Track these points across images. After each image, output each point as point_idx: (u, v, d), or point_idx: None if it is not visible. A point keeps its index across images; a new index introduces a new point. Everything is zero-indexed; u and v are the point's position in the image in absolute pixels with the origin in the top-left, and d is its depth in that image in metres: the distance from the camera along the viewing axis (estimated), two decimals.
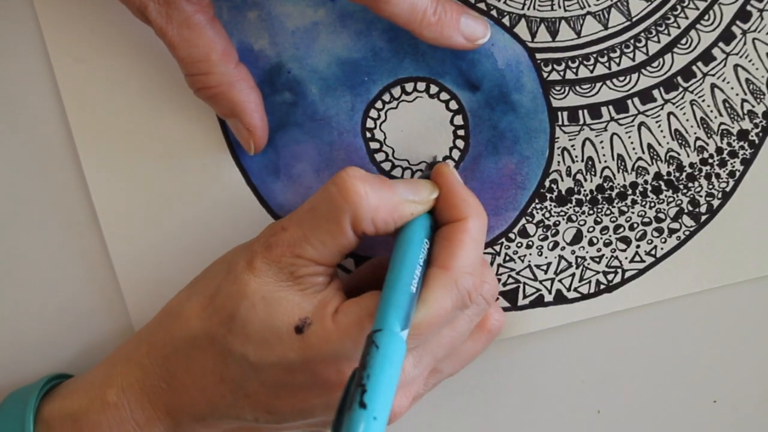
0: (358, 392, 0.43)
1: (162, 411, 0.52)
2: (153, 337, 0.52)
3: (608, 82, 0.55)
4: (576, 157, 0.56)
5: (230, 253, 0.53)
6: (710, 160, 0.55)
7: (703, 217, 0.56)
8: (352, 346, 0.48)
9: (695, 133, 0.55)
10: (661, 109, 0.55)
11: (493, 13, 0.54)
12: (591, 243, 0.56)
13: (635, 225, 0.56)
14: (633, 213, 0.56)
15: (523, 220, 0.56)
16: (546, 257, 0.56)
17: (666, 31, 0.54)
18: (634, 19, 0.54)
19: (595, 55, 0.55)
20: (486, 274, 0.52)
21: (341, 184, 0.49)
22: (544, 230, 0.56)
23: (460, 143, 0.56)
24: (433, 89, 0.55)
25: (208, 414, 0.51)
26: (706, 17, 0.54)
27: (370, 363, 0.44)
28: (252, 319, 0.49)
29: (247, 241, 0.52)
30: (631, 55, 0.55)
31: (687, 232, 0.56)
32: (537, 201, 0.56)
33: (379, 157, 0.56)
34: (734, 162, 0.55)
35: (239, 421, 0.52)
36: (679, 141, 0.55)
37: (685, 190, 0.56)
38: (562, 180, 0.56)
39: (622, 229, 0.56)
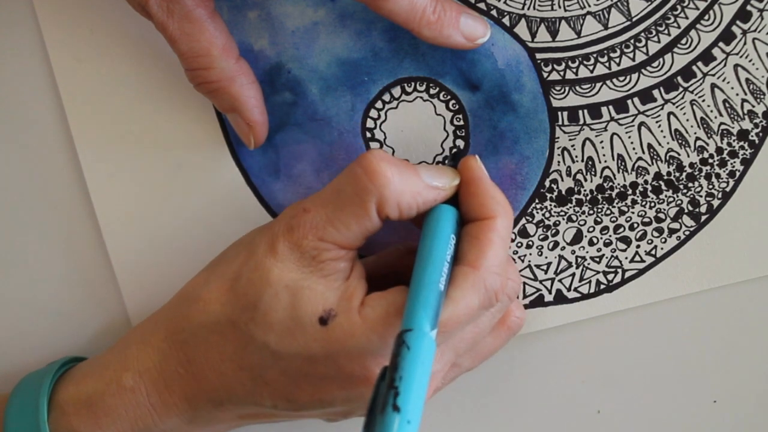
0: (391, 395, 0.42)
1: (179, 396, 0.51)
2: (171, 321, 0.52)
3: (608, 82, 0.55)
4: (576, 157, 0.56)
5: (249, 235, 0.52)
6: (710, 160, 0.55)
7: (703, 217, 0.56)
8: (379, 341, 0.48)
9: (695, 133, 0.55)
10: (661, 109, 0.55)
11: (493, 13, 0.54)
12: (591, 243, 0.56)
13: (635, 225, 0.56)
14: (633, 213, 0.56)
15: (523, 220, 0.56)
16: (546, 257, 0.56)
17: (666, 31, 0.54)
18: (634, 19, 0.54)
19: (595, 55, 0.55)
20: (510, 272, 0.52)
21: (367, 166, 0.49)
22: (544, 230, 0.56)
23: (460, 143, 0.56)
24: (433, 89, 0.55)
25: (226, 399, 0.51)
26: (706, 17, 0.54)
27: (402, 365, 0.43)
28: (275, 308, 0.49)
29: (266, 223, 0.52)
30: (631, 55, 0.55)
31: (687, 232, 0.56)
32: (537, 201, 0.56)
33: None
34: (734, 162, 0.55)
35: (257, 408, 0.51)
36: (679, 141, 0.55)
37: (685, 190, 0.56)
38: (562, 180, 0.56)
39: (622, 229, 0.56)
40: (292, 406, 0.50)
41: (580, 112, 0.55)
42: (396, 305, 0.48)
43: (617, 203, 0.56)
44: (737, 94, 0.55)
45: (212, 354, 0.50)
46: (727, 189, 0.55)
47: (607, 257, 0.56)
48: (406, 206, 0.49)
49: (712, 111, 0.55)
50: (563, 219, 0.56)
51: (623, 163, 0.55)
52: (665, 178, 0.56)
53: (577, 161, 0.56)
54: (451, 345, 0.50)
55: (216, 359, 0.50)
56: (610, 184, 0.56)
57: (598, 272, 0.56)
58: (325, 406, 0.50)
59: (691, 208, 0.56)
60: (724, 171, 0.55)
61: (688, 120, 0.55)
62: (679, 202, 0.56)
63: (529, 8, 0.54)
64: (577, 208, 0.56)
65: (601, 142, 0.55)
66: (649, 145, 0.55)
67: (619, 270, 0.56)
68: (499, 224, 0.50)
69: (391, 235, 0.51)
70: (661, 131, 0.55)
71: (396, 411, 0.42)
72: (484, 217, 0.50)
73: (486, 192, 0.51)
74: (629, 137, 0.55)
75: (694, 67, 0.55)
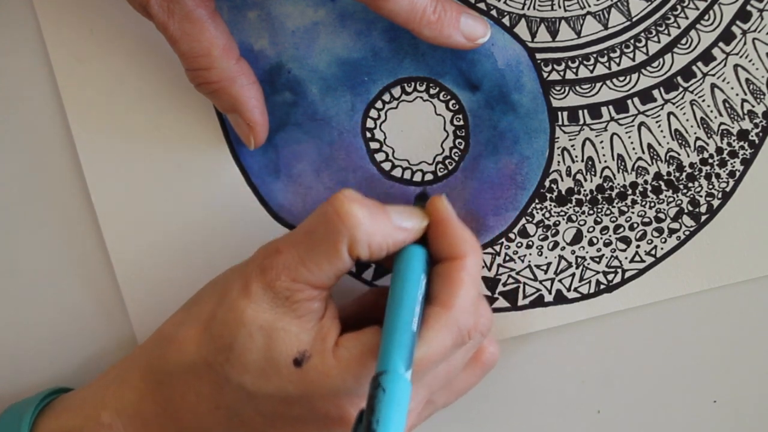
0: None
1: None
2: (148, 361, 0.52)
3: (608, 82, 0.55)
4: (576, 157, 0.56)
5: (223, 275, 0.52)
6: (710, 160, 0.55)
7: (703, 217, 0.56)
8: (353, 381, 0.48)
9: (695, 133, 0.55)
10: (661, 109, 0.55)
11: (493, 13, 0.54)
12: (591, 243, 0.56)
13: (635, 225, 0.56)
14: (633, 213, 0.56)
15: (523, 220, 0.56)
16: (546, 257, 0.56)
17: (666, 31, 0.54)
18: (634, 19, 0.54)
19: (595, 55, 0.55)
20: (482, 309, 0.52)
21: (339, 207, 0.49)
22: (544, 230, 0.56)
23: (460, 143, 0.56)
24: (433, 89, 0.55)
25: None
26: (706, 17, 0.54)
27: (379, 407, 0.44)
28: (250, 349, 0.49)
29: (239, 263, 0.52)
30: (631, 55, 0.55)
31: (687, 232, 0.56)
32: (537, 201, 0.56)
33: (379, 157, 0.56)
34: (734, 162, 0.55)
35: None
36: (679, 141, 0.55)
37: (685, 190, 0.56)
38: (562, 180, 0.56)
39: (622, 229, 0.56)
40: None
41: (580, 112, 0.55)
42: (370, 346, 0.48)
43: (617, 203, 0.56)
44: (737, 94, 0.55)
45: (189, 394, 0.51)
46: (727, 189, 0.55)
47: (607, 257, 0.56)
48: (376, 247, 0.49)
49: (712, 111, 0.55)
50: (563, 219, 0.56)
51: (623, 163, 0.55)
52: (665, 178, 0.56)
53: (577, 161, 0.56)
54: (425, 383, 0.51)
55: (192, 399, 0.50)
56: (610, 184, 0.56)
57: (598, 272, 0.56)
58: None
59: (691, 208, 0.56)
60: (724, 171, 0.55)
61: (688, 120, 0.55)
62: (679, 202, 0.56)
63: (529, 8, 0.54)
64: (577, 208, 0.56)
65: (601, 142, 0.55)
66: (649, 145, 0.55)
67: (619, 270, 0.56)
68: (468, 264, 0.50)
69: None
70: (661, 131, 0.55)
71: None
72: (454, 257, 0.50)
73: (455, 232, 0.51)
74: (629, 137, 0.55)
75: (694, 67, 0.55)
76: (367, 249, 0.49)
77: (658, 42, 0.54)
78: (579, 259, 0.56)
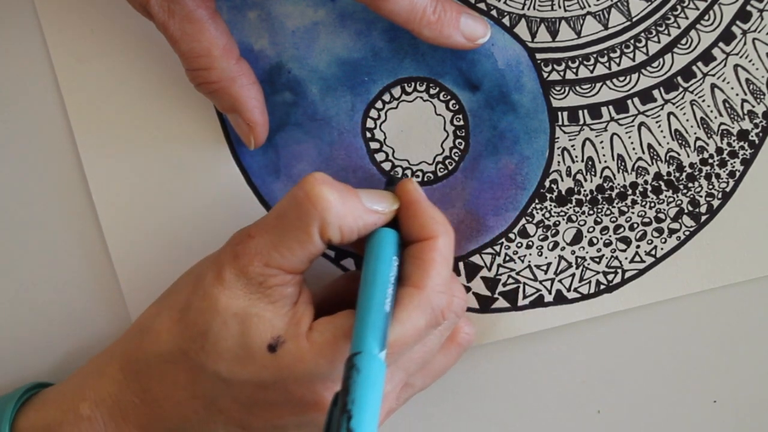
0: (344, 419, 0.43)
1: (135, 425, 0.52)
2: (125, 352, 0.52)
3: (608, 82, 0.55)
4: (576, 157, 0.56)
5: (197, 265, 0.53)
6: (710, 160, 0.55)
7: (703, 217, 0.56)
8: (327, 365, 0.48)
9: (695, 133, 0.55)
10: (661, 109, 0.55)
11: (493, 13, 0.54)
12: (591, 243, 0.56)
13: (635, 225, 0.56)
14: (633, 213, 0.56)
15: (523, 220, 0.56)
16: (546, 257, 0.56)
17: (666, 31, 0.54)
18: (634, 19, 0.54)
19: (595, 55, 0.55)
20: (455, 289, 0.52)
21: (309, 190, 0.49)
22: (544, 230, 0.56)
23: (460, 143, 0.56)
24: (433, 89, 0.55)
25: (180, 428, 0.51)
26: (706, 17, 0.54)
27: (354, 388, 0.43)
28: (224, 336, 0.49)
29: (213, 252, 0.52)
30: (631, 55, 0.55)
31: (687, 232, 0.56)
32: (537, 201, 0.56)
33: (379, 157, 0.56)
34: (734, 162, 0.55)
35: None
36: (679, 141, 0.55)
37: (685, 190, 0.56)
38: (562, 180, 0.56)
39: (622, 230, 0.56)
40: None
41: (580, 112, 0.55)
42: (344, 329, 0.48)
43: (617, 203, 0.56)
44: (737, 95, 0.55)
45: (166, 383, 0.51)
46: (727, 189, 0.55)
47: (607, 257, 0.56)
48: (347, 230, 0.49)
49: (712, 111, 0.55)
50: (563, 219, 0.56)
51: (623, 164, 0.56)
52: (665, 178, 0.56)
53: (577, 161, 0.56)
54: (401, 365, 0.51)
55: (170, 388, 0.51)
56: (610, 184, 0.56)
57: (598, 272, 0.56)
58: (278, 431, 0.50)
59: (691, 209, 0.56)
60: (724, 171, 0.55)
61: (688, 120, 0.55)
62: (679, 202, 0.56)
63: (529, 8, 0.54)
64: (577, 209, 0.56)
65: (601, 142, 0.55)
66: (649, 146, 0.55)
67: (619, 270, 0.56)
68: (440, 244, 0.50)
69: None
70: (661, 131, 0.55)
71: None
72: (425, 237, 0.50)
73: (425, 213, 0.51)
74: (629, 137, 0.55)
75: (694, 68, 0.55)
76: (338, 232, 0.49)
77: (658, 42, 0.55)
78: (579, 260, 0.56)
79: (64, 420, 0.52)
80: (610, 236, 0.56)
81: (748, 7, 0.54)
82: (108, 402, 0.52)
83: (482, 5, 0.54)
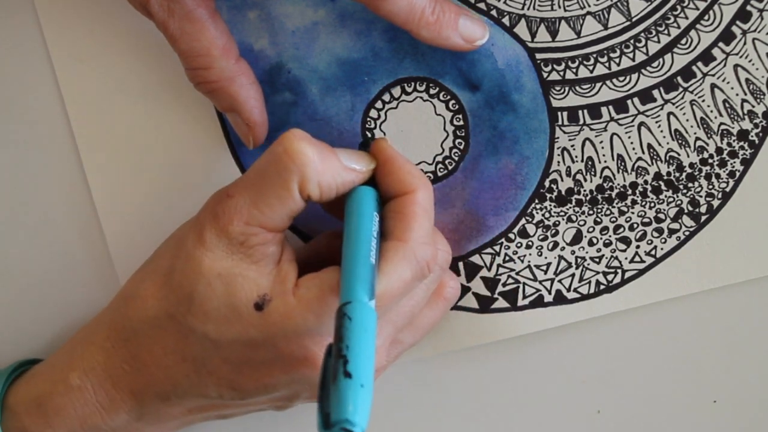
0: (341, 363, 0.42)
1: (125, 392, 0.52)
2: (112, 320, 0.53)
3: (608, 82, 0.55)
4: (576, 157, 0.56)
5: (179, 229, 0.53)
6: (710, 160, 0.55)
7: (703, 217, 0.56)
8: (315, 320, 0.48)
9: (695, 133, 0.55)
10: (661, 109, 0.55)
11: (493, 13, 0.54)
12: (591, 243, 0.56)
13: (635, 225, 0.56)
14: (633, 213, 0.56)
15: (523, 220, 0.56)
16: (546, 257, 0.56)
17: (666, 31, 0.54)
18: (634, 19, 0.54)
19: (595, 55, 0.55)
20: (439, 242, 0.52)
21: (288, 146, 0.49)
22: (544, 230, 0.56)
23: (460, 143, 0.56)
24: (433, 89, 0.55)
25: (171, 392, 0.51)
26: (706, 17, 0.54)
27: (346, 335, 0.43)
28: (210, 297, 0.49)
29: (194, 216, 0.52)
30: (631, 55, 0.55)
31: (687, 233, 0.56)
32: (537, 201, 0.56)
33: None
34: (734, 162, 0.55)
35: (203, 399, 0.52)
36: (679, 141, 0.55)
37: (685, 191, 0.56)
38: (562, 180, 0.56)
39: (621, 230, 0.56)
40: (237, 395, 0.51)
41: (580, 112, 0.55)
42: (330, 284, 0.48)
43: (617, 203, 0.56)
44: (737, 94, 0.55)
45: (155, 348, 0.51)
46: (727, 189, 0.55)
47: (606, 257, 0.56)
48: (326, 186, 0.49)
49: (712, 111, 0.55)
50: (563, 219, 0.56)
51: (623, 164, 0.55)
52: (665, 178, 0.56)
53: (576, 161, 0.56)
54: (389, 320, 0.51)
55: (159, 353, 0.51)
56: (610, 184, 0.56)
57: (597, 273, 0.56)
58: (269, 391, 0.51)
59: (691, 209, 0.56)
60: (724, 171, 0.55)
61: (688, 120, 0.55)
62: (678, 202, 0.56)
63: (528, 8, 0.54)
64: (576, 209, 0.56)
65: (601, 142, 0.55)
66: (649, 145, 0.55)
67: (619, 270, 0.56)
68: (420, 197, 0.50)
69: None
70: (661, 131, 0.55)
71: (348, 377, 0.42)
72: (404, 192, 0.50)
73: (402, 168, 0.51)
74: (629, 137, 0.55)
75: (694, 68, 0.55)
76: (317, 188, 0.49)
77: (658, 42, 0.54)
78: (579, 260, 0.56)
79: (54, 391, 0.52)
80: (609, 236, 0.56)
81: (748, 7, 0.54)
82: (97, 370, 0.52)
83: (482, 5, 0.54)
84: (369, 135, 0.56)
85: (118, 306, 0.53)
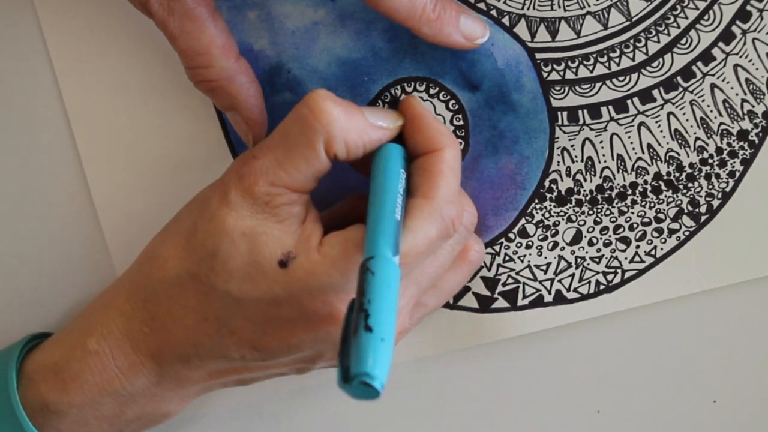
0: (362, 317, 0.42)
1: (144, 355, 0.51)
2: (131, 282, 0.52)
3: (608, 82, 0.55)
4: (576, 157, 0.56)
5: (201, 192, 0.52)
6: (710, 160, 0.55)
7: (703, 218, 0.56)
8: (340, 277, 0.48)
9: (695, 133, 0.55)
10: (661, 109, 0.55)
11: (493, 12, 0.54)
12: (591, 243, 0.56)
13: (635, 225, 0.56)
14: (633, 213, 0.56)
15: (523, 220, 0.56)
16: (546, 257, 0.56)
17: (666, 31, 0.55)
18: (633, 19, 0.54)
19: (594, 55, 0.55)
20: (465, 203, 0.52)
21: (313, 106, 0.48)
22: (544, 230, 0.56)
23: (460, 143, 0.56)
24: (433, 89, 0.55)
25: (192, 354, 0.51)
26: (706, 17, 0.54)
27: (369, 289, 0.43)
28: (234, 255, 0.49)
29: (218, 178, 0.52)
30: (630, 55, 0.55)
31: (687, 233, 0.56)
32: (537, 201, 0.56)
33: None
34: (734, 162, 0.55)
35: (225, 361, 0.51)
36: (679, 141, 0.55)
37: (684, 191, 0.56)
38: (562, 180, 0.56)
39: (621, 230, 0.56)
40: (260, 355, 0.50)
41: (580, 112, 0.55)
42: (355, 240, 0.48)
43: (617, 203, 0.56)
44: (737, 94, 0.55)
45: (175, 308, 0.50)
46: (727, 189, 0.55)
47: (606, 257, 0.56)
48: (353, 144, 0.49)
49: (711, 111, 0.55)
50: (563, 219, 0.56)
51: (623, 163, 0.56)
52: (665, 178, 0.56)
53: (576, 161, 0.56)
54: (413, 279, 0.51)
55: (179, 313, 0.50)
56: (610, 184, 0.56)
57: (597, 273, 0.56)
58: (293, 351, 0.50)
59: (690, 209, 0.56)
60: (723, 171, 0.55)
61: (687, 120, 0.55)
62: (678, 202, 0.56)
63: (528, 8, 0.54)
64: (576, 209, 0.56)
65: (601, 142, 0.55)
66: (649, 145, 0.55)
67: (619, 270, 0.56)
68: (447, 155, 0.50)
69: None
70: (661, 131, 0.55)
71: (369, 331, 0.41)
72: (432, 149, 0.50)
73: (431, 125, 0.51)
74: (629, 137, 0.55)
75: (693, 67, 0.55)
76: (343, 146, 0.49)
77: (658, 42, 0.55)
78: (579, 260, 0.56)
79: (71, 357, 0.52)
80: (609, 236, 0.56)
81: (748, 7, 0.54)
82: (116, 334, 0.52)
83: (482, 5, 0.54)
84: (395, 96, 0.55)
85: (138, 267, 0.52)
